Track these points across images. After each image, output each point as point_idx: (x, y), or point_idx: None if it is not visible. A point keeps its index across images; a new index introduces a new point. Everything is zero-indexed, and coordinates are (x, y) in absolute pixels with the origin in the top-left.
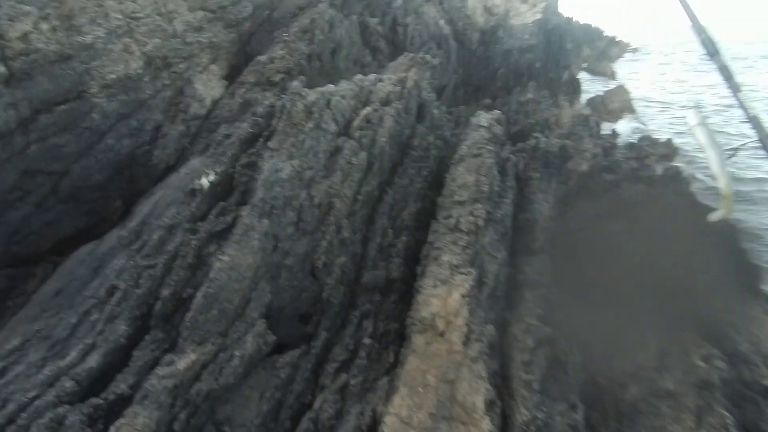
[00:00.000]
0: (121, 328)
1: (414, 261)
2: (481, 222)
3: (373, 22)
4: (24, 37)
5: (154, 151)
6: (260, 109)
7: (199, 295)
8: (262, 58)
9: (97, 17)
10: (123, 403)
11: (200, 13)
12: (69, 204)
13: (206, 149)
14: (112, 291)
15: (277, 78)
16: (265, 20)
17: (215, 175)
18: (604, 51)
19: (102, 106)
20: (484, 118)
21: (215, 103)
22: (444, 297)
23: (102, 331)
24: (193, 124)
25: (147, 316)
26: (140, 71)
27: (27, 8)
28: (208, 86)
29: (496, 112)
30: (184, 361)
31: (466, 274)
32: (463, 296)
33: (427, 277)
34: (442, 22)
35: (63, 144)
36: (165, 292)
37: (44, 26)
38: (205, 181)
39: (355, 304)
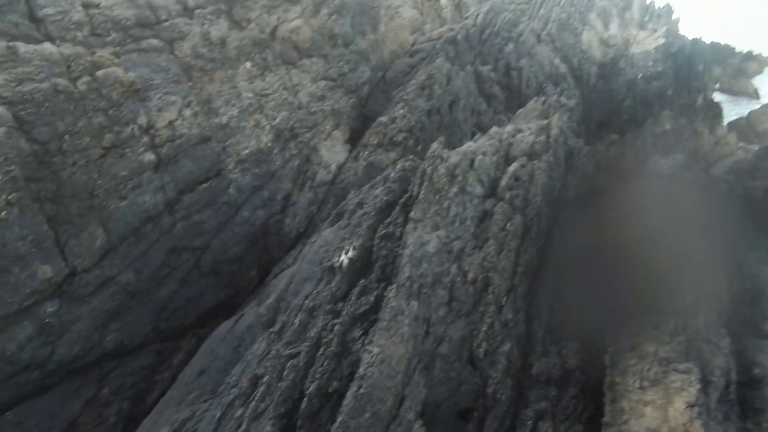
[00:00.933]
0: (266, 429)
1: (593, 343)
2: None
3: (486, 69)
4: (170, 124)
5: (285, 220)
6: (393, 174)
7: (349, 396)
8: (384, 119)
9: (231, 98)
10: None
11: (322, 83)
12: (210, 278)
13: (337, 218)
14: (255, 381)
15: (399, 138)
16: (379, 81)
17: (353, 250)
18: (739, 68)
19: (237, 180)
20: (664, 164)
21: (340, 168)
22: (661, 405)
23: (247, 430)
24: (320, 191)
25: (292, 413)
26: (270, 144)
27: (172, 98)
28: (332, 152)
29: (679, 157)
30: None
31: (685, 372)
32: (689, 405)
33: (626, 373)
34: (557, 61)
35: (204, 220)
36: (311, 387)
37: (187, 112)
38: (344, 258)
39: (525, 399)
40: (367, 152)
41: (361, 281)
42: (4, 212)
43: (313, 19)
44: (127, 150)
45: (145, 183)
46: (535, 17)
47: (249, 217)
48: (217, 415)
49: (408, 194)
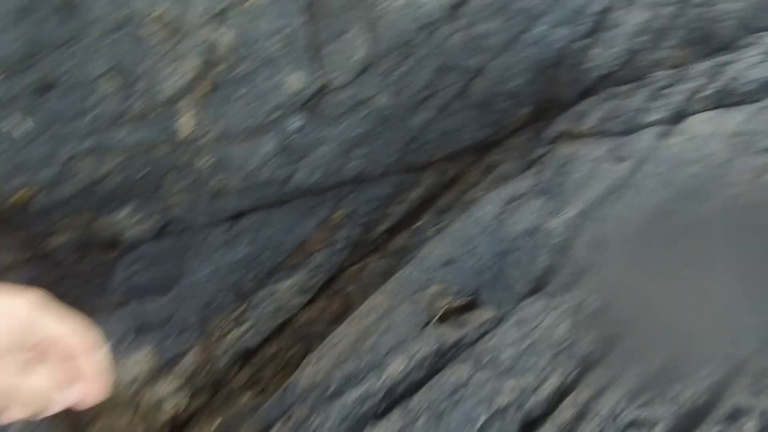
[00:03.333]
0: None
1: None
2: None
3: None
4: None
5: (593, 49)
6: None
7: None
8: None
9: None
10: None
11: None
12: (475, 110)
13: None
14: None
15: None
16: None
17: None
18: None
19: None
20: None
21: None
22: None
23: None
24: (665, 11)
25: None
26: None
27: None
28: None
29: None
30: None
31: None
32: None
33: None
34: None
35: (489, 33)
36: None
37: None
38: None
39: None
40: None
41: None
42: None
43: None
44: None
45: None
46: None
47: (545, 35)
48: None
49: None
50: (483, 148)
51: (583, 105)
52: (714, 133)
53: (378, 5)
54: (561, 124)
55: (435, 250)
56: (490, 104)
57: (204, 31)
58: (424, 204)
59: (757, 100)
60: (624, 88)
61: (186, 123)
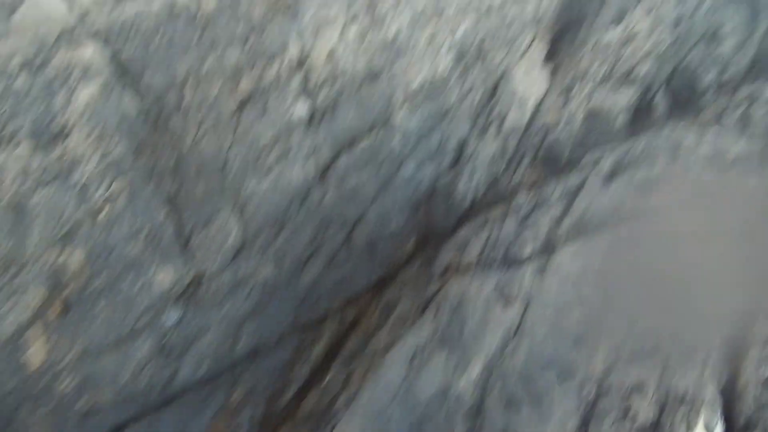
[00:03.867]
0: None
1: None
2: None
3: None
4: (330, 56)
5: (459, 180)
6: None
7: None
8: (611, 35)
9: None
10: None
11: None
12: (362, 256)
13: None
14: None
15: (641, 69)
16: None
17: None
18: None
19: (404, 124)
20: None
21: (539, 104)
22: None
23: None
24: (510, 139)
25: None
26: (448, 70)
27: (333, 10)
28: (528, 80)
29: None
30: None
31: None
32: None
33: None
34: None
35: (361, 184)
36: None
37: (352, 33)
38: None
39: None
40: (586, 89)
41: None
42: (105, 210)
43: None
44: (270, 100)
45: (294, 148)
46: None
47: (413, 174)
48: None
49: None
50: (378, 286)
51: (462, 234)
52: (584, 271)
53: (245, 189)
54: (446, 254)
55: (348, 430)
56: (376, 246)
57: (47, 257)
58: (329, 355)
59: (612, 227)
60: (494, 213)
61: (36, 352)
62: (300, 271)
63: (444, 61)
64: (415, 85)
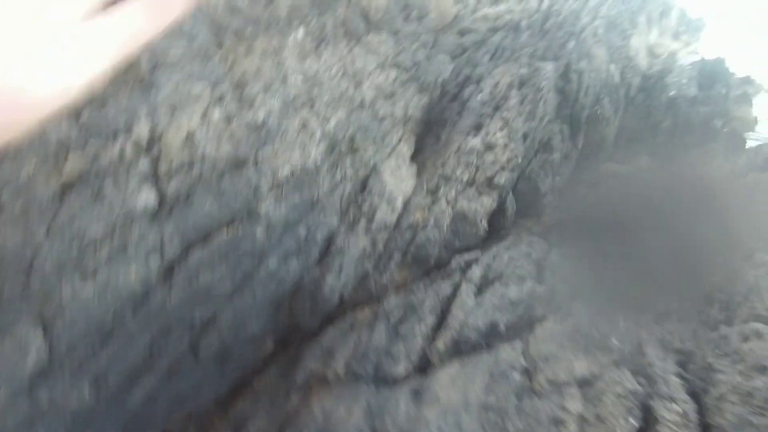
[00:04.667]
0: None
1: None
2: None
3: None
4: (188, 139)
5: (326, 276)
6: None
7: None
8: (475, 142)
9: (273, 82)
10: None
11: (392, 73)
12: (212, 363)
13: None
14: None
15: (501, 179)
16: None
17: None
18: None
19: (269, 215)
20: None
21: (407, 203)
22: None
23: None
24: (380, 237)
25: None
26: (319, 161)
27: (197, 87)
28: (397, 177)
29: None
30: None
31: None
32: None
33: None
34: (612, 67)
35: (215, 281)
36: None
37: (216, 114)
38: None
39: None
40: (452, 192)
41: None
42: None
43: None
44: (106, 186)
45: (133, 243)
46: (590, 10)
47: (276, 269)
48: None
49: None
50: (228, 397)
51: (328, 337)
52: (465, 404)
53: (56, 295)
54: (309, 361)
55: None
56: (229, 351)
57: None
58: None
59: (487, 346)
60: (363, 315)
61: None
62: (129, 388)
63: (315, 151)
64: (283, 173)
